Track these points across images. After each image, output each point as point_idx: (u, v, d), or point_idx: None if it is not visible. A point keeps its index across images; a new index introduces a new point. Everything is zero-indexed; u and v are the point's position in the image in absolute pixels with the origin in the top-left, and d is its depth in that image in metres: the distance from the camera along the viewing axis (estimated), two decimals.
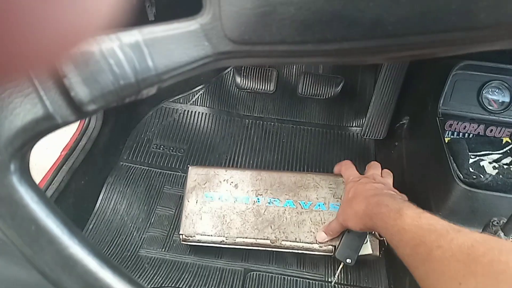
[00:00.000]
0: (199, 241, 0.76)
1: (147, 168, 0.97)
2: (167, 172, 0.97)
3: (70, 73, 0.20)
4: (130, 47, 0.21)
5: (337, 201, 0.78)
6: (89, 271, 0.22)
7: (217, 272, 0.81)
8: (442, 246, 0.39)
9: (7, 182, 0.21)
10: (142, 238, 0.86)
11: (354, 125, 1.05)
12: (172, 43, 0.23)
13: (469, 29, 0.21)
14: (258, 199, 0.79)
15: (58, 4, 0.10)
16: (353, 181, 0.71)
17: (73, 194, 0.82)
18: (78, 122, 0.90)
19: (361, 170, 0.98)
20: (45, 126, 0.20)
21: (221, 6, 0.23)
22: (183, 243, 0.78)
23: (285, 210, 0.78)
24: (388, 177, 0.74)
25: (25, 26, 0.10)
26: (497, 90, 0.78)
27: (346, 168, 0.77)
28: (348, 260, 0.71)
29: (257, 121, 1.06)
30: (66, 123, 0.21)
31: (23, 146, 0.21)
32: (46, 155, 0.79)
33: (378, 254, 0.72)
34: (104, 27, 0.13)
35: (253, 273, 0.81)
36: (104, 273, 0.22)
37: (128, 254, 0.83)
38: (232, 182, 0.80)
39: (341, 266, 0.75)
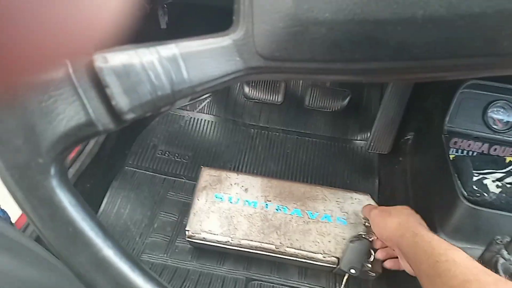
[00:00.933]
0: (204, 239, 0.77)
1: (152, 173, 0.98)
2: (172, 178, 0.97)
3: (112, 84, 0.21)
4: (168, 60, 0.22)
5: (344, 215, 0.79)
6: (121, 273, 0.23)
7: (219, 280, 0.81)
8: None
9: (47, 185, 0.21)
10: (145, 243, 0.86)
11: (359, 138, 1.06)
12: (206, 57, 0.24)
13: (491, 56, 0.22)
14: (266, 204, 0.80)
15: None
16: (375, 210, 0.71)
17: None
18: None
19: (365, 184, 0.99)
20: (86, 132, 0.21)
21: (254, 23, 0.24)
22: (188, 240, 0.78)
23: (292, 218, 0.79)
24: None
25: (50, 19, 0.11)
26: (502, 110, 0.80)
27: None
28: (353, 271, 0.71)
29: (263, 131, 1.07)
30: (106, 131, 0.22)
31: (64, 151, 0.21)
32: None
33: (380, 270, 0.73)
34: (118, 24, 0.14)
35: (255, 283, 0.81)
36: (135, 276, 0.23)
37: None
38: (242, 186, 0.83)
39: (346, 277, 0.76)
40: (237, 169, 1.00)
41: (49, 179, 0.21)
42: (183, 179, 0.97)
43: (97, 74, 0.20)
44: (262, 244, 0.76)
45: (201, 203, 0.80)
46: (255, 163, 1.01)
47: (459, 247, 0.66)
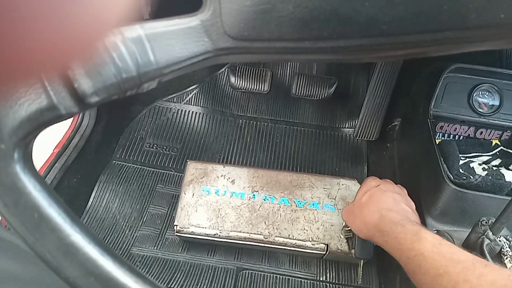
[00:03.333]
0: (193, 233, 0.77)
1: (140, 166, 0.97)
2: (160, 171, 0.97)
3: (74, 65, 0.20)
4: (133, 42, 0.22)
5: (331, 201, 0.79)
6: (89, 259, 0.22)
7: (209, 271, 0.81)
8: (470, 280, 0.37)
9: (10, 171, 0.21)
10: (134, 237, 0.86)
11: (346, 126, 1.06)
12: (173, 38, 0.23)
13: (460, 29, 0.22)
14: (253, 195, 0.80)
15: (70, 5, 0.11)
16: (372, 184, 0.66)
17: (65, 192, 0.82)
18: (71, 119, 0.89)
19: (353, 171, 0.99)
20: (49, 116, 0.21)
21: (221, 3, 0.23)
22: (177, 235, 0.78)
23: (280, 207, 0.79)
24: (403, 191, 0.69)
25: (36, 28, 0.10)
26: (487, 93, 0.80)
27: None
28: (367, 257, 0.72)
29: (251, 121, 1.07)
30: (69, 115, 0.21)
31: (27, 136, 0.21)
32: (38, 152, 0.78)
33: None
34: (116, 24, 0.13)
35: (246, 272, 0.81)
36: (104, 261, 0.22)
37: (120, 252, 0.83)
38: (229, 178, 0.82)
39: (361, 264, 0.75)
40: (226, 160, 1.00)
41: (12, 165, 0.21)
42: (171, 171, 0.97)
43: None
44: (251, 235, 0.76)
45: (188, 197, 0.80)
46: (243, 154, 1.01)
47: (447, 230, 0.67)
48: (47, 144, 0.83)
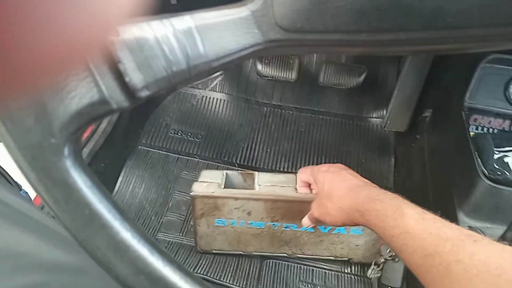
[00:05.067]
0: (217, 255, 0.80)
1: (165, 153, 0.98)
2: (185, 158, 0.97)
3: (124, 59, 0.20)
4: (183, 34, 0.21)
5: (359, 227, 0.73)
6: (140, 256, 0.22)
7: (234, 259, 0.81)
8: (462, 261, 0.35)
9: (61, 166, 0.21)
10: (160, 222, 0.87)
11: (374, 116, 1.04)
12: (223, 29, 0.22)
13: None
14: (273, 224, 0.74)
15: None
16: (322, 171, 0.61)
17: None
18: None
19: (380, 162, 0.97)
20: (100, 110, 0.20)
21: None
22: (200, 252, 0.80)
23: (303, 233, 0.74)
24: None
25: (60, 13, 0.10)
26: None
27: (303, 169, 0.68)
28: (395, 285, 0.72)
29: (275, 109, 1.05)
30: (120, 109, 0.21)
31: (78, 130, 0.21)
32: None
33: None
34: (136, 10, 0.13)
35: (270, 261, 0.81)
36: (153, 259, 0.22)
37: None
38: (244, 210, 0.72)
39: None
40: (250, 148, 0.99)
41: (63, 160, 0.21)
42: (196, 158, 0.97)
43: (109, 48, 0.19)
44: (274, 254, 0.79)
45: (204, 228, 0.75)
46: (268, 142, 1.00)
47: (479, 227, 0.65)
48: None
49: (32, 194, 0.72)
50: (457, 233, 0.38)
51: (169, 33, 0.21)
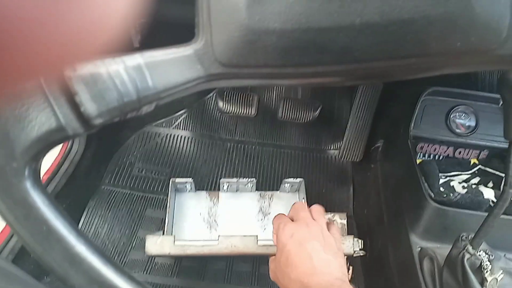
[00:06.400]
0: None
1: (129, 191, 0.98)
2: (150, 195, 0.98)
3: (80, 91, 0.22)
4: (133, 69, 0.24)
5: None
6: (93, 268, 0.24)
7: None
8: None
9: (22, 187, 0.23)
10: (124, 262, 0.86)
11: (332, 148, 1.09)
12: (170, 65, 0.26)
13: (423, 56, 0.25)
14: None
15: (69, 13, 0.11)
16: (286, 234, 0.59)
17: None
18: (61, 145, 0.90)
19: (340, 192, 1.01)
20: (57, 137, 0.23)
21: (212, 34, 0.26)
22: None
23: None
24: (321, 217, 0.63)
25: (36, 32, 0.11)
26: (463, 115, 0.84)
27: (277, 218, 0.66)
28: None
29: (239, 145, 1.09)
30: (75, 135, 0.23)
31: (37, 155, 0.23)
32: None
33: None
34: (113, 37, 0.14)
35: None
36: (106, 270, 0.24)
37: None
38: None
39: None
40: (214, 183, 1.01)
41: (23, 182, 0.23)
42: (161, 195, 0.98)
43: (67, 82, 0.22)
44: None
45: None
46: (232, 177, 1.03)
47: (430, 247, 0.69)
48: None
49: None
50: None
51: (121, 69, 0.24)
